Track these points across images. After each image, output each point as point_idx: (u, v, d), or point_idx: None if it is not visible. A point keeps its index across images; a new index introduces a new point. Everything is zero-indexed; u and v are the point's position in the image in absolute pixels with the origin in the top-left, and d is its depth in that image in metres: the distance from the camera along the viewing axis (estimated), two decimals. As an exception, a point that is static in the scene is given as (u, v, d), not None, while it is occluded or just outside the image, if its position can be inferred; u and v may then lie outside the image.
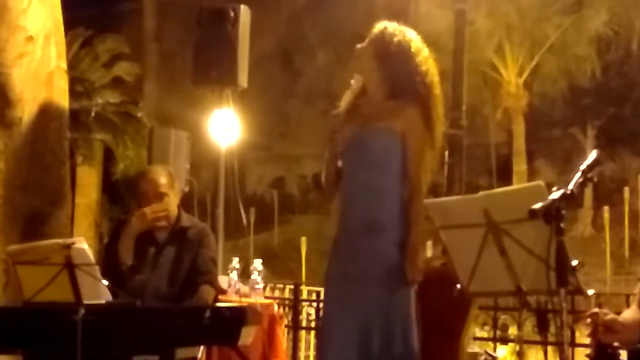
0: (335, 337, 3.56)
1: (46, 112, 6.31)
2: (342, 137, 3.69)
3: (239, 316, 3.82)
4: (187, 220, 4.56)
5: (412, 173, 3.61)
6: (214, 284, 4.40)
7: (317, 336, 6.26)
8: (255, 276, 5.27)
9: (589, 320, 2.93)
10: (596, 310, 2.95)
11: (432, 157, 3.73)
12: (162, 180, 4.50)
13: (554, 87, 18.83)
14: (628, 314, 3.11)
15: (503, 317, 5.66)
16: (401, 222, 3.60)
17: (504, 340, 6.03)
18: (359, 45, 3.75)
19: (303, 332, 7.46)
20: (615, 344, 2.98)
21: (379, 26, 3.74)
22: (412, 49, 3.68)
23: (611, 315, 2.96)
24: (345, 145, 3.69)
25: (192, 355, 4.15)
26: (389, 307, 3.50)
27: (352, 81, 3.75)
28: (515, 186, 4.26)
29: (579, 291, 2.87)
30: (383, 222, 3.58)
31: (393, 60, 3.65)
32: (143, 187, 4.52)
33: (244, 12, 6.75)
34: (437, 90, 3.71)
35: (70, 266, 3.74)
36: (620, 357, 2.99)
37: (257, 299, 5.14)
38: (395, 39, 3.68)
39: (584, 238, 17.65)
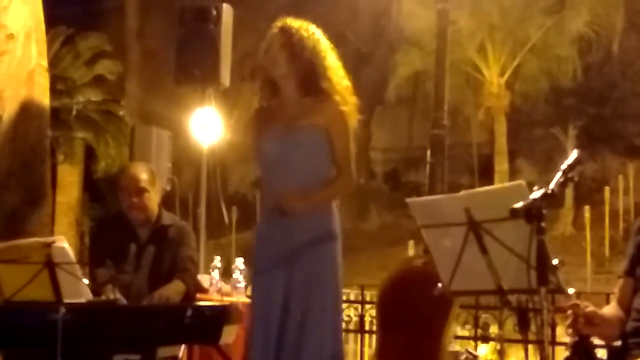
0: (259, 320, 3.59)
1: (27, 110, 6.29)
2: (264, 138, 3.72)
3: (221, 315, 3.82)
4: (167, 218, 4.55)
5: (341, 162, 3.68)
6: (187, 281, 4.36)
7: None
8: (237, 275, 5.26)
9: (569, 311, 2.94)
10: (577, 302, 2.96)
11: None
12: (143, 175, 4.48)
13: (535, 87, 18.86)
14: (608, 310, 3.13)
15: (484, 316, 5.67)
16: (328, 213, 3.65)
17: (485, 339, 6.06)
18: (263, 45, 3.77)
19: (285, 331, 7.44)
20: (596, 341, 3.00)
21: (282, 23, 3.79)
22: (319, 43, 3.73)
23: (592, 308, 2.98)
24: (268, 147, 3.70)
25: (174, 354, 4.14)
26: (309, 293, 3.53)
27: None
28: (496, 185, 4.27)
29: (560, 290, 2.88)
30: (310, 217, 3.62)
31: (304, 56, 3.69)
32: (123, 182, 4.50)
33: (227, 11, 6.74)
34: (347, 81, 3.76)
35: (50, 265, 3.73)
36: (597, 354, 3.00)
37: (239, 298, 5.13)
38: (301, 34, 3.72)
39: (565, 237, 17.70)
